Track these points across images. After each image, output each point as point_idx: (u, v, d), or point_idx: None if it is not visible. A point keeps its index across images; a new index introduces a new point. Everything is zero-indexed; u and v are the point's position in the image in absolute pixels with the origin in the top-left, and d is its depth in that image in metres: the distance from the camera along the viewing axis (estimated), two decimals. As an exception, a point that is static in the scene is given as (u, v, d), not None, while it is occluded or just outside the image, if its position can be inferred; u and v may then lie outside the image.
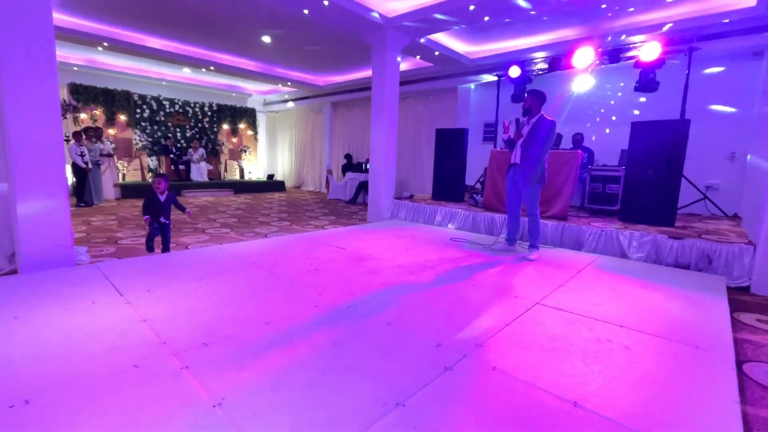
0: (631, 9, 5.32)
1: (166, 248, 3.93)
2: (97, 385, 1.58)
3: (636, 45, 5.35)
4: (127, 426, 1.36)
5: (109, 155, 7.93)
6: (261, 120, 13.12)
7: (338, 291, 2.84)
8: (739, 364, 2.02)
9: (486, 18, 5.35)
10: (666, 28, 5.48)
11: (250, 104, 12.77)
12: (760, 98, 5.42)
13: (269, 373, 1.72)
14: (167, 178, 3.94)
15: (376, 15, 5.58)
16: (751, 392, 1.80)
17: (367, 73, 9.20)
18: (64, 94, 8.64)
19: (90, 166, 6.95)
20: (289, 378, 1.69)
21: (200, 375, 1.68)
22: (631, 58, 5.40)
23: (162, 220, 3.85)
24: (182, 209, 4.04)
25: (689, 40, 4.85)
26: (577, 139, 6.29)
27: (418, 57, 7.34)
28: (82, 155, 6.85)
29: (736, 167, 5.81)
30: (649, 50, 4.99)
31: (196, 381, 1.63)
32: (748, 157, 5.60)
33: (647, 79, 5.26)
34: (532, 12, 5.22)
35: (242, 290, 2.81)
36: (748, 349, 2.24)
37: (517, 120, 4.01)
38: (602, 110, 6.87)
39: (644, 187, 4.57)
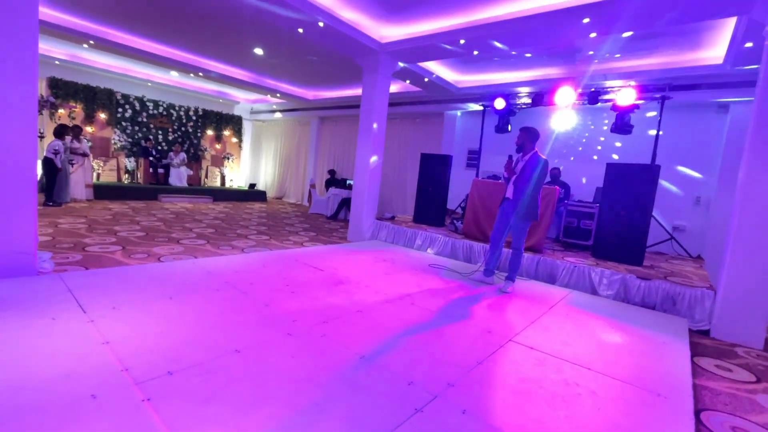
0: (607, 54, 5.63)
1: None
2: (48, 418, 1.49)
3: (613, 89, 5.64)
4: (78, 467, 1.28)
5: (85, 154, 7.66)
6: (247, 128, 13.01)
7: (313, 318, 2.80)
8: (697, 413, 2.10)
9: (475, 52, 5.55)
10: (639, 79, 5.83)
11: (236, 111, 12.67)
12: (723, 149, 5.79)
13: (236, 408, 1.66)
14: None
15: (370, 40, 5.70)
16: (707, 443, 1.86)
17: (357, 91, 9.31)
18: (42, 88, 8.35)
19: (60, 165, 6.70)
20: (257, 413, 1.64)
21: (162, 409, 1.61)
22: (609, 100, 5.68)
23: None
24: None
25: (662, 89, 5.16)
26: (555, 174, 6.51)
27: (407, 81, 7.50)
28: (56, 153, 6.60)
29: (701, 211, 6.14)
30: (625, 96, 5.28)
31: (157, 416, 1.56)
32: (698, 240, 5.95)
33: (623, 122, 5.54)
34: (513, 53, 5.51)
35: (214, 312, 2.73)
36: (706, 396, 2.33)
37: (510, 156, 4.11)
38: (580, 147, 7.17)
39: (616, 225, 4.77)
